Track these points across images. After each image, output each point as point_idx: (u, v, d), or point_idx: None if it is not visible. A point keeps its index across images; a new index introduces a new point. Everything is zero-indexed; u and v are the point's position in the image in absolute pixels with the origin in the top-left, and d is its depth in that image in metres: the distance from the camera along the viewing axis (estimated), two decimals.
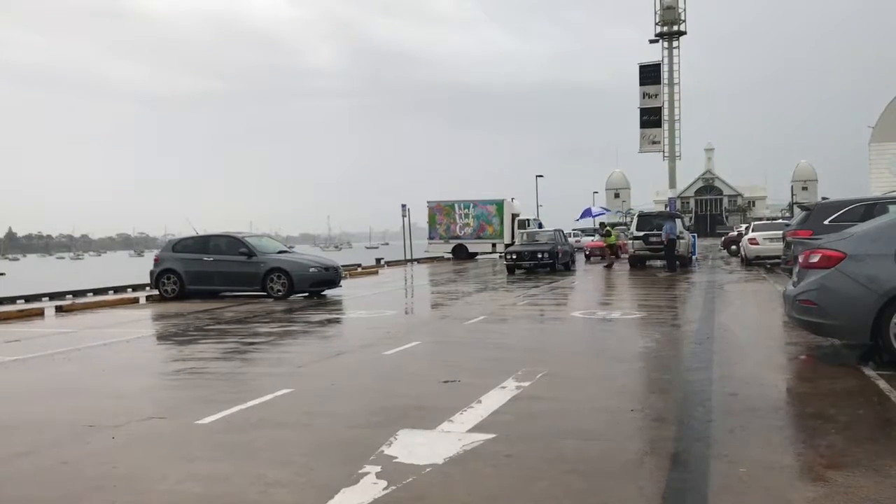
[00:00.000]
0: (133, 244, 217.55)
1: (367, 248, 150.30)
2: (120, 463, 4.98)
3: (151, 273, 19.48)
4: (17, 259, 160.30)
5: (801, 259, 8.16)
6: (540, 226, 43.66)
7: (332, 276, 18.85)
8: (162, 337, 12.15)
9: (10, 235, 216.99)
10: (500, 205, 44.07)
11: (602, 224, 35.94)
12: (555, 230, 31.61)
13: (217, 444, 5.39)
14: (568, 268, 28.54)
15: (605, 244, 31.95)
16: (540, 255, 26.83)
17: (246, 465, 4.83)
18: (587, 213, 50.66)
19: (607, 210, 65.83)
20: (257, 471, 4.69)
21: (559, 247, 27.98)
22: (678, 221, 28.75)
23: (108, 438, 5.56)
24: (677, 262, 26.70)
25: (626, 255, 34.20)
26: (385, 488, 4.25)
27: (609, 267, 29.02)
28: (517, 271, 27.14)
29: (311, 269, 18.51)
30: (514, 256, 27.28)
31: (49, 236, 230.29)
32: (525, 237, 30.86)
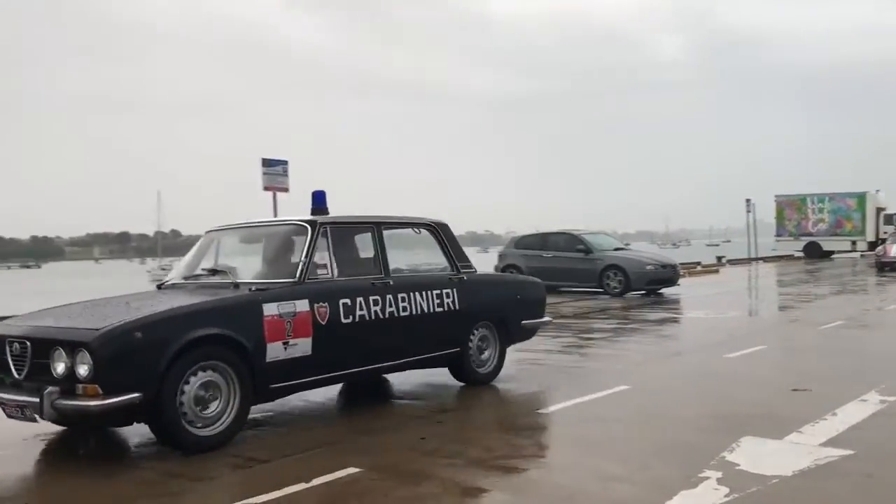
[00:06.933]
0: (478, 241, 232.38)
1: (708, 245, 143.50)
2: None
3: (496, 268, 20.72)
4: None
5: None
6: None
7: (669, 275, 18.43)
8: None
9: None
10: (861, 198, 39.42)
11: None
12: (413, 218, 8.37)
13: (557, 435, 5.63)
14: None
15: None
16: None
17: (584, 457, 4.98)
18: None
19: None
20: (595, 463, 4.81)
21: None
22: None
23: None
24: None
25: None
26: (727, 495, 4.11)
27: None
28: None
29: (648, 267, 18.26)
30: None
31: None
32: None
